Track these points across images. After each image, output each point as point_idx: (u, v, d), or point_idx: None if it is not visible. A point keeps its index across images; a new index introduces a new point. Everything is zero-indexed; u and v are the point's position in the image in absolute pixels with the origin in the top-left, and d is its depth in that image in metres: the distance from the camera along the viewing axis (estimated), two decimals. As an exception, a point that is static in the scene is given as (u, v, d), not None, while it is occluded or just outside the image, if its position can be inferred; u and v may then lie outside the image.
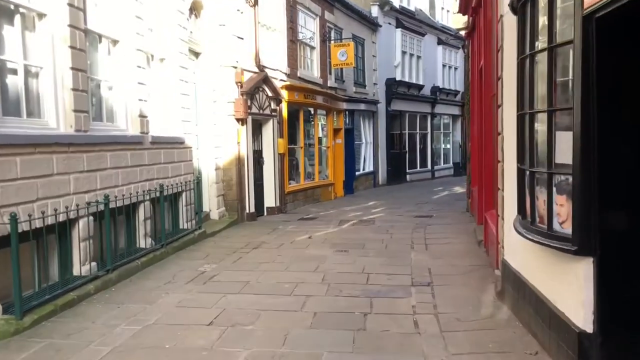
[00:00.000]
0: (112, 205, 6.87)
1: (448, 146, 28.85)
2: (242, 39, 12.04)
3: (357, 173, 19.52)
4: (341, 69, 17.98)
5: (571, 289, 3.70)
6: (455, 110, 28.57)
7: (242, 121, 11.87)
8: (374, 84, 21.27)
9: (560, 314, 3.85)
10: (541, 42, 4.07)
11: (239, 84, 11.73)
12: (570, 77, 3.56)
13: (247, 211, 12.12)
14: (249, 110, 12.04)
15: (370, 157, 21.15)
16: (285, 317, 5.35)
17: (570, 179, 3.59)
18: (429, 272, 7.00)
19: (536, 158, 4.19)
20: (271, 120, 13.27)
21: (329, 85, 16.93)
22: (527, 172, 4.35)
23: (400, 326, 5.01)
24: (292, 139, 14.90)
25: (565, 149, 3.71)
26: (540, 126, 4.16)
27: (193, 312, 5.56)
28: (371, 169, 21.15)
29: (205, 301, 5.88)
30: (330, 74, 17.22)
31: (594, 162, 3.45)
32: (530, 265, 4.58)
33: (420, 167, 25.46)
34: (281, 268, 7.40)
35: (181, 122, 9.47)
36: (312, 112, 16.12)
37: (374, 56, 21.14)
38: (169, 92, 9.24)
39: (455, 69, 28.63)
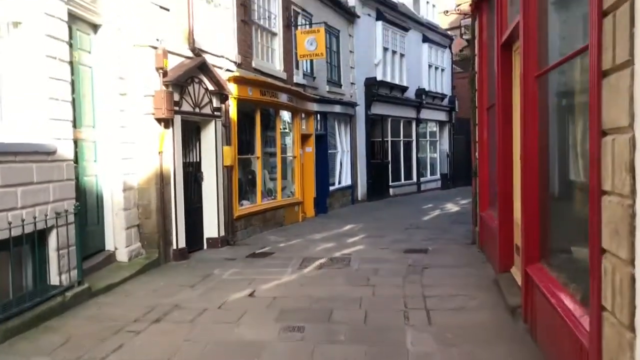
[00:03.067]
0: None
1: (435, 155, 25.86)
2: (168, 10, 8.76)
3: (331, 188, 16.30)
4: (310, 61, 14.80)
5: None
6: (442, 116, 25.65)
7: (166, 122, 8.56)
8: (352, 83, 18.13)
9: None
10: None
11: (161, 71, 8.44)
12: None
13: (174, 247, 8.78)
14: (176, 108, 8.74)
15: (348, 168, 17.96)
16: None
17: None
18: (443, 391, 3.77)
19: None
20: (213, 122, 9.97)
21: (295, 81, 13.71)
22: None
23: None
24: (245, 147, 11.62)
25: None
26: None
27: None
28: (349, 182, 17.95)
29: None
30: (297, 68, 14.01)
31: None
32: None
33: (404, 180, 22.37)
34: (175, 380, 4.09)
35: (49, 122, 6.12)
36: (273, 114, 12.87)
37: (351, 52, 18.02)
38: (27, 75, 5.92)
39: (442, 70, 25.75)
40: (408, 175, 22.77)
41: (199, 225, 9.90)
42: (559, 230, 4.68)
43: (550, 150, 4.78)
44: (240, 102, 10.91)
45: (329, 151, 16.25)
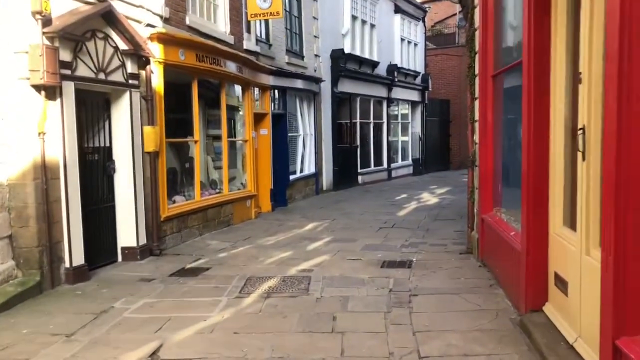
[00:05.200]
0: None
1: (406, 139, 23.73)
2: None
3: (291, 177, 13.95)
4: (265, 24, 12.35)
5: None
6: (415, 96, 23.51)
7: (49, 91, 6.05)
8: (316, 55, 15.71)
9: None
10: None
11: (40, 17, 5.89)
12: None
13: (67, 265, 6.33)
14: (66, 71, 6.23)
15: (311, 154, 15.62)
16: None
17: None
18: None
19: None
20: (127, 93, 7.47)
21: (245, 47, 11.24)
22: None
23: None
24: (177, 128, 9.14)
25: None
26: None
27: None
28: (312, 170, 15.64)
29: None
30: (248, 31, 11.53)
31: None
32: None
33: (374, 166, 20.21)
34: None
35: None
36: (217, 87, 10.38)
37: (314, 18, 15.57)
38: None
39: (415, 45, 23.56)
40: (378, 161, 20.62)
41: (110, 231, 7.45)
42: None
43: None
44: (169, 68, 8.41)
45: (289, 134, 13.86)
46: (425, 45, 25.28)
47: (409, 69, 22.36)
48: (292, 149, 14.18)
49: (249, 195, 11.31)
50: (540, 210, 4.51)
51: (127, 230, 7.57)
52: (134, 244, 7.57)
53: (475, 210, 7.38)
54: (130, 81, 7.48)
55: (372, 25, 19.27)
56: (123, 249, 7.58)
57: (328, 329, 4.72)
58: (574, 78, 3.96)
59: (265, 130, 12.41)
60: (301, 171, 14.95)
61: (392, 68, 20.64)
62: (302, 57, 14.76)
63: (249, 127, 11.40)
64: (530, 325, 4.31)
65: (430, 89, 24.51)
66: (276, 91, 13.07)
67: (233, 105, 11.15)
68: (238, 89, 11.27)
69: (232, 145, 11.12)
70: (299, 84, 14.10)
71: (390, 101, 21.05)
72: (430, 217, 11.29)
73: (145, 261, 7.58)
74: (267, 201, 12.41)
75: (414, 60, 23.35)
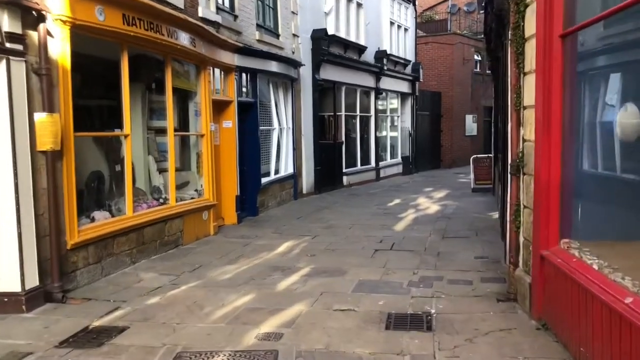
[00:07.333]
0: None
1: (395, 134, 21.40)
2: None
3: (264, 180, 11.48)
4: (228, -11, 9.87)
5: None
6: (405, 87, 21.19)
7: None
8: (294, 35, 13.27)
9: None
10: None
11: None
12: None
13: None
14: None
15: (289, 151, 13.17)
16: None
17: None
18: None
19: None
20: (4, 64, 4.95)
21: (201, 15, 8.75)
22: None
23: None
24: (97, 118, 6.65)
25: None
26: None
27: None
28: (290, 170, 13.20)
29: None
30: (206, -4, 9.05)
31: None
32: None
33: (361, 165, 17.83)
34: None
35: None
36: (162, 63, 7.87)
37: (293, -9, 13.13)
38: None
39: (406, 30, 21.24)
40: (365, 160, 18.25)
41: (-22, 271, 4.96)
42: None
43: None
44: (81, 32, 5.89)
45: (261, 127, 11.35)
46: (416, 32, 22.99)
47: (398, 57, 20.04)
48: (264, 145, 11.71)
49: (206, 206, 8.83)
50: None
51: (7, 268, 5.08)
52: (18, 289, 5.08)
53: (521, 239, 5.05)
54: (8, 45, 4.97)
55: (359, 5, 16.86)
56: (1, 295, 5.09)
57: None
58: None
59: (230, 123, 9.94)
60: (276, 172, 12.50)
61: (381, 54, 18.30)
62: (277, 36, 12.29)
63: (207, 118, 8.91)
64: None
65: (421, 80, 22.22)
66: (244, 74, 10.58)
67: (184, 89, 8.65)
68: (192, 68, 8.78)
69: (183, 142, 8.66)
70: (273, 66, 11.62)
71: (379, 92, 18.68)
72: (437, 232, 8.95)
73: (34, 313, 5.09)
74: (232, 211, 9.96)
75: (404, 47, 21.03)
